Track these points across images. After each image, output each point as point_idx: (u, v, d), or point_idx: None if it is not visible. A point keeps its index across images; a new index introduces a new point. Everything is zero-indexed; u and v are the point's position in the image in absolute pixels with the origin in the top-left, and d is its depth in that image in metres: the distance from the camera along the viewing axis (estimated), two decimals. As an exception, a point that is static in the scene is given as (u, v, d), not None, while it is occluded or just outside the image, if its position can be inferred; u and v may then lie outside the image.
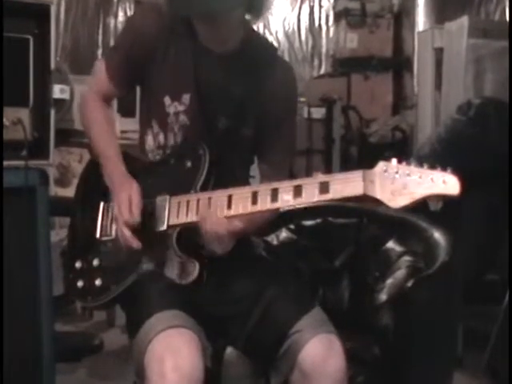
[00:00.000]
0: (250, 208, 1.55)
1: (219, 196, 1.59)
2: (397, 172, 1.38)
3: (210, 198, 1.60)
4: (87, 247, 1.79)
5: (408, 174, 1.37)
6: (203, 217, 1.58)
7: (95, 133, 1.82)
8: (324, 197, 1.46)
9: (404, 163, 1.40)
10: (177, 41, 1.75)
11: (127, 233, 1.65)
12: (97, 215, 1.80)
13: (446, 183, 1.34)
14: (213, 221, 1.56)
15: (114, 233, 1.74)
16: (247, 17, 1.74)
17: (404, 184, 1.37)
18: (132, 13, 5.47)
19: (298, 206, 1.66)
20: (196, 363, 1.49)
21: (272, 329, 1.62)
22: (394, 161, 1.40)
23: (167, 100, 1.76)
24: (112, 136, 1.84)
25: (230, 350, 1.72)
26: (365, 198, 1.43)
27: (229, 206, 1.57)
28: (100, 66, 1.84)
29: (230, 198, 1.57)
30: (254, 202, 1.54)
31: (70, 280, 1.79)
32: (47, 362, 2.03)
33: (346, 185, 1.43)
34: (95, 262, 1.76)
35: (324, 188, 1.46)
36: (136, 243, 1.64)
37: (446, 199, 1.36)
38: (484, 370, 2.83)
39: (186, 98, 1.75)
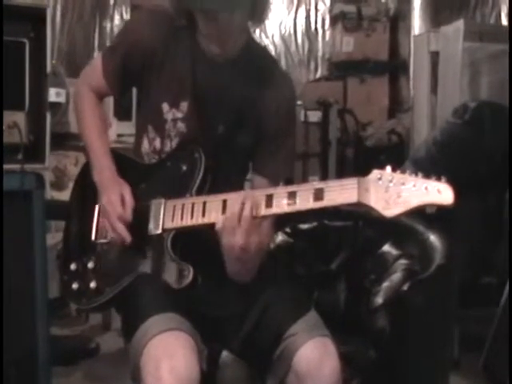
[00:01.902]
0: None
1: (214, 200, 1.60)
2: (391, 180, 1.38)
3: (204, 202, 1.61)
4: (82, 249, 1.79)
5: (402, 183, 1.38)
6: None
7: (86, 127, 1.83)
8: (318, 204, 1.47)
9: (398, 171, 1.40)
10: (176, 46, 1.75)
11: (120, 226, 1.66)
12: (92, 217, 1.80)
13: (441, 192, 1.35)
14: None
15: (109, 235, 1.75)
16: (249, 23, 1.74)
17: (398, 193, 1.37)
18: (128, 16, 5.47)
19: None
20: (192, 366, 1.48)
21: (267, 332, 1.62)
22: (389, 168, 1.40)
23: (165, 107, 1.76)
24: (103, 133, 1.85)
25: (225, 353, 1.72)
26: (359, 205, 1.43)
27: (223, 211, 1.57)
28: (97, 63, 1.84)
29: (224, 202, 1.57)
30: None
31: (65, 282, 1.79)
32: (43, 365, 2.03)
33: (341, 192, 1.43)
34: (90, 265, 1.76)
35: (318, 195, 1.46)
36: (128, 237, 1.66)
37: (440, 208, 1.36)
38: (481, 373, 2.83)
39: (184, 105, 1.75)
